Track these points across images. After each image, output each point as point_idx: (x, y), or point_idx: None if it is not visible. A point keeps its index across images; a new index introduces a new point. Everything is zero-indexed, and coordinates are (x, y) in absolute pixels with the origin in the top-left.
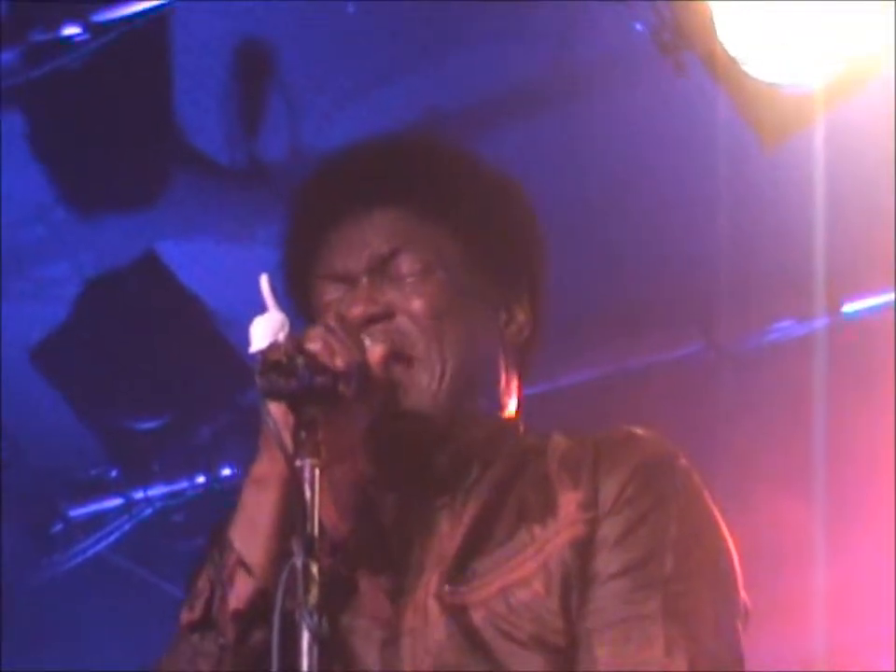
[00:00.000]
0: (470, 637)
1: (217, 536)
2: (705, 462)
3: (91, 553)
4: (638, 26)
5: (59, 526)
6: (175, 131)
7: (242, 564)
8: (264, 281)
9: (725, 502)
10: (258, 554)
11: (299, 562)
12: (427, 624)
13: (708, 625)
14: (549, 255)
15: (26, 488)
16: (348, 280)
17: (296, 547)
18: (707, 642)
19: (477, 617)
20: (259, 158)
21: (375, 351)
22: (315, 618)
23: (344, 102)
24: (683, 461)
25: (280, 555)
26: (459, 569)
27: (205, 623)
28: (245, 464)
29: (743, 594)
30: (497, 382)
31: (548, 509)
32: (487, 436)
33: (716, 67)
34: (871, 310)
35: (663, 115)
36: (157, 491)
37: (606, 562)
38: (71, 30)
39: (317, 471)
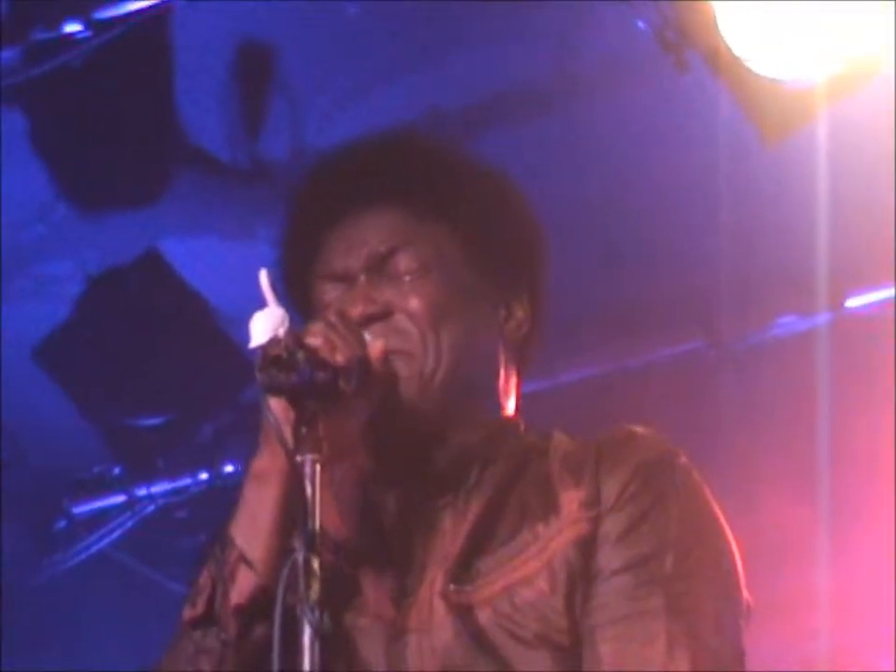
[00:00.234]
0: (477, 637)
1: (219, 533)
2: (706, 460)
3: (94, 550)
4: (641, 24)
5: (62, 524)
6: (177, 129)
7: (243, 559)
8: (263, 276)
9: (727, 500)
10: (259, 550)
11: (300, 557)
12: (433, 624)
13: (710, 623)
14: (548, 252)
15: (29, 486)
16: (346, 279)
17: (297, 542)
18: (708, 640)
19: (483, 616)
20: (260, 157)
21: (376, 346)
22: (317, 613)
23: (345, 102)
24: (684, 459)
25: (281, 551)
26: (463, 568)
27: (207, 620)
28: (247, 461)
29: (745, 592)
30: (497, 380)
31: (550, 507)
32: (488, 434)
33: (718, 65)
34: (873, 305)
35: (665, 113)
36: (160, 488)
37: (608, 559)
38: (72, 27)
39: (318, 466)
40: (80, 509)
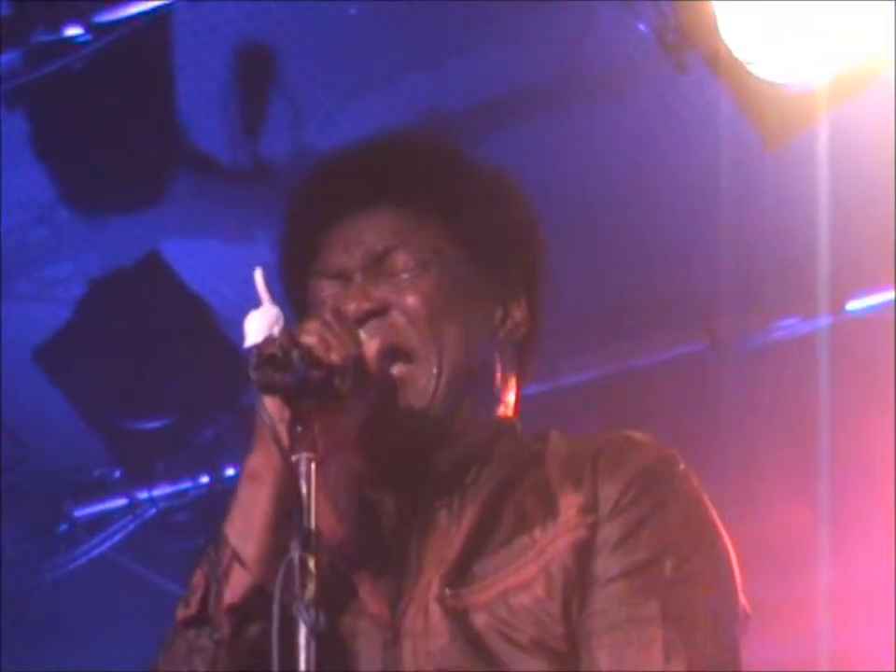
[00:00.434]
0: (473, 641)
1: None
2: (708, 461)
3: (95, 553)
4: (642, 26)
5: (63, 527)
6: (178, 131)
7: (237, 558)
8: (259, 275)
9: (728, 502)
10: (252, 549)
11: (296, 556)
12: (429, 628)
13: (707, 629)
14: (546, 253)
15: (31, 489)
16: (343, 277)
17: (293, 541)
18: (705, 646)
19: (478, 621)
20: (261, 159)
21: (371, 345)
22: (313, 612)
23: (345, 103)
24: (682, 465)
25: (275, 549)
26: (460, 572)
27: (201, 619)
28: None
29: (742, 599)
30: (494, 380)
31: (548, 512)
32: (485, 436)
33: (719, 67)
34: (874, 308)
35: (665, 115)
36: (161, 491)
37: (605, 565)
38: (73, 31)
39: (313, 465)
40: (81, 512)
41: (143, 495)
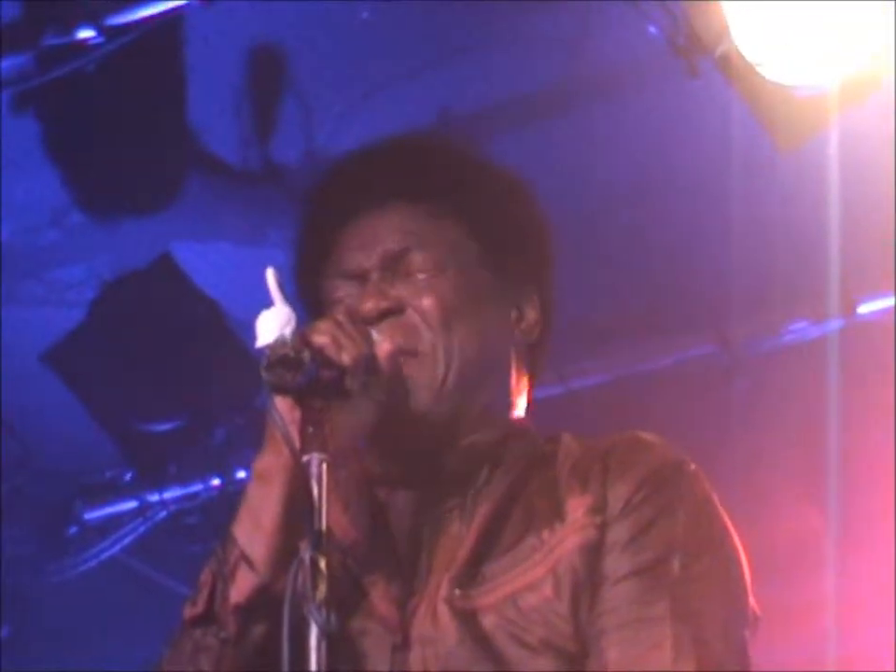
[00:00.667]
0: (482, 643)
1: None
2: (718, 464)
3: (105, 555)
4: (652, 29)
5: (74, 529)
6: (190, 134)
7: (244, 558)
8: (270, 275)
9: (736, 504)
10: (260, 549)
11: (307, 556)
12: (438, 630)
13: (716, 629)
14: (558, 256)
15: (41, 490)
16: (359, 277)
17: (304, 542)
18: (714, 646)
19: (487, 622)
20: (272, 161)
21: (383, 346)
22: (324, 613)
23: (357, 105)
24: (692, 467)
25: (283, 550)
26: (469, 573)
27: (207, 618)
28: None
29: (752, 600)
30: (508, 382)
31: (556, 513)
32: (497, 437)
33: (730, 70)
34: (885, 311)
35: (676, 118)
36: (172, 493)
37: (615, 564)
38: (85, 33)
39: (325, 466)
40: (92, 514)
41: (153, 497)
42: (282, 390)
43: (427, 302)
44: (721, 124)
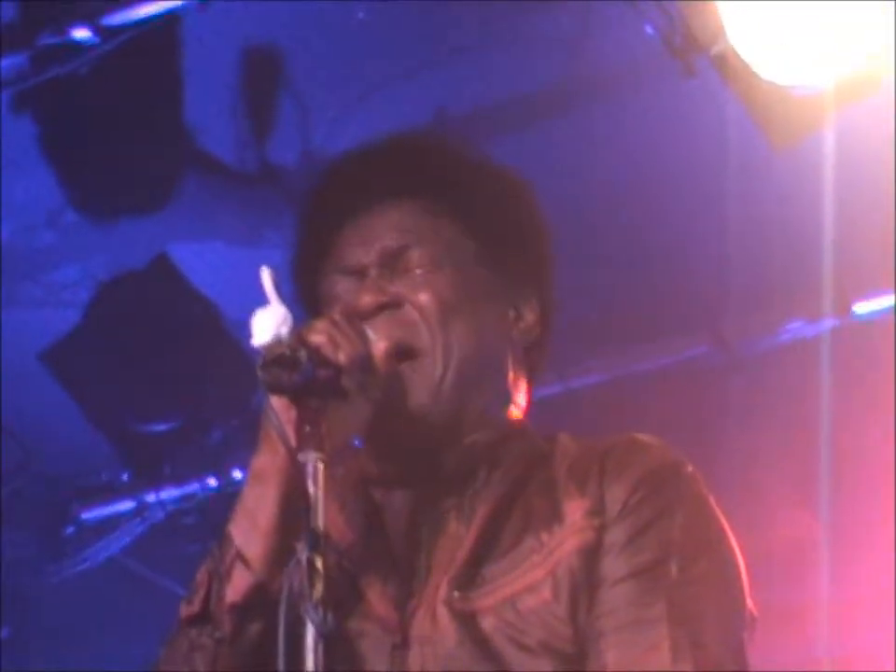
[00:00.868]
0: (481, 645)
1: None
2: (713, 464)
3: (102, 555)
4: (649, 29)
5: (71, 529)
6: (186, 134)
7: (240, 557)
8: (265, 274)
9: (733, 505)
10: (256, 548)
11: (304, 556)
12: (437, 631)
13: (714, 631)
14: (556, 256)
15: (38, 491)
16: (358, 273)
17: (300, 541)
18: (711, 648)
19: (486, 624)
20: (269, 161)
21: (380, 345)
22: (321, 613)
23: (354, 106)
24: (689, 468)
25: (279, 549)
26: (469, 575)
27: (203, 617)
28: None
29: (749, 602)
30: (505, 381)
31: (555, 516)
32: (495, 437)
33: (726, 70)
34: (880, 311)
35: (672, 117)
36: (168, 494)
37: (613, 566)
38: (81, 34)
39: (321, 465)
40: (89, 514)
41: (150, 498)
42: (278, 389)
43: (424, 298)
44: (717, 124)
